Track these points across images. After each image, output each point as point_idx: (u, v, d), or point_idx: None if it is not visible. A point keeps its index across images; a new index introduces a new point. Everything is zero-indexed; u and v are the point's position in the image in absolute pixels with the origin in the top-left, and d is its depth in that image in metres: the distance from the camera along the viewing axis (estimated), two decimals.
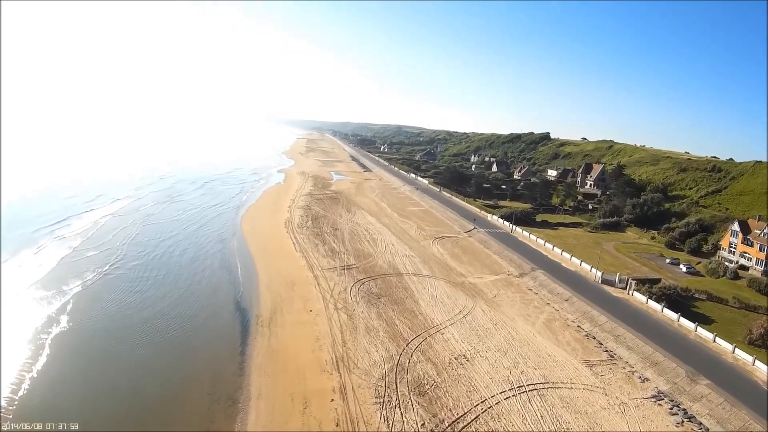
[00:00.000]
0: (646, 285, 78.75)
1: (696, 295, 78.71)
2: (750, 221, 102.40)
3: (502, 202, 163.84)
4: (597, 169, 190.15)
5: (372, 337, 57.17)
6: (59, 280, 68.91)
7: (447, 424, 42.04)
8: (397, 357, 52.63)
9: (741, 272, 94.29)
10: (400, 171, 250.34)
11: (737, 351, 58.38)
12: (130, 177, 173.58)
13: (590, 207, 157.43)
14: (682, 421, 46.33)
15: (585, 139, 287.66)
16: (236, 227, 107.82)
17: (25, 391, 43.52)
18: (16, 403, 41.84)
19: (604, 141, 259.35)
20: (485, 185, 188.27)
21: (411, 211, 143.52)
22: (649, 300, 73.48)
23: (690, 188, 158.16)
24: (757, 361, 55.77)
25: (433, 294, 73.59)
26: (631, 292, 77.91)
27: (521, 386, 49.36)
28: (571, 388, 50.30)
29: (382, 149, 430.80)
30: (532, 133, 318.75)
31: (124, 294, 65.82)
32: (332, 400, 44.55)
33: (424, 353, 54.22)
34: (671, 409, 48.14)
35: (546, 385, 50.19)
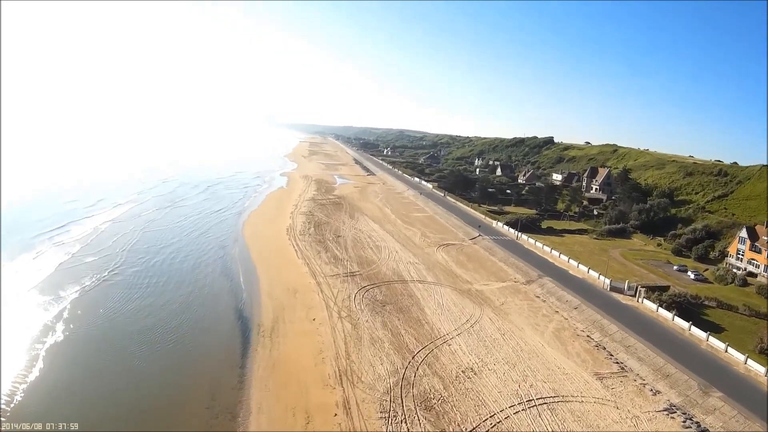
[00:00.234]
0: (656, 292, 77.34)
1: (706, 303, 77.28)
2: (758, 227, 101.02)
3: (506, 208, 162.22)
4: (602, 173, 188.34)
5: (377, 348, 55.55)
6: (56, 286, 67.73)
7: None
8: (403, 370, 51.02)
9: (749, 279, 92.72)
10: (404, 174, 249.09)
11: (749, 362, 56.99)
12: (133, 180, 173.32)
13: (595, 213, 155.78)
14: None
15: (588, 143, 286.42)
16: (238, 234, 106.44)
17: (16, 404, 42.17)
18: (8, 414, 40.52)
19: (608, 145, 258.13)
20: (490, 190, 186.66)
21: (415, 217, 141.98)
22: (660, 308, 72.02)
23: (696, 193, 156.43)
24: None
25: (439, 302, 72.04)
26: (640, 300, 76.41)
27: (531, 400, 47.82)
28: (582, 401, 48.80)
29: (385, 153, 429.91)
30: (535, 137, 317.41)
31: (122, 302, 64.38)
32: (335, 415, 43.03)
33: (430, 366, 52.62)
34: (684, 422, 46.76)
35: (556, 399, 48.68)
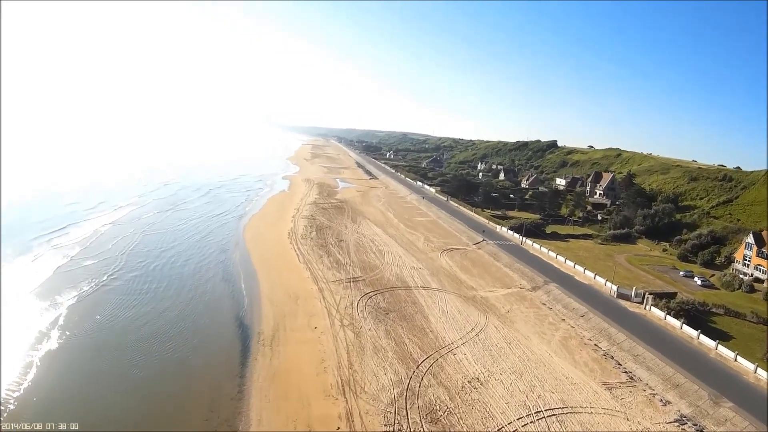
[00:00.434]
0: (663, 300, 76.14)
1: (713, 310, 76.19)
2: (765, 233, 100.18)
3: (510, 212, 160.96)
4: (606, 177, 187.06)
5: (380, 358, 54.13)
6: (53, 290, 66.53)
7: None
8: (407, 380, 49.60)
9: (756, 285, 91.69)
10: (407, 178, 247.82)
11: (759, 371, 56.00)
12: (134, 182, 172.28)
13: (599, 218, 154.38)
14: None
15: (591, 146, 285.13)
16: (239, 237, 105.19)
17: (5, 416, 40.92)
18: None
19: (611, 149, 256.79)
20: (493, 194, 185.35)
21: (418, 221, 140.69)
22: (668, 316, 70.83)
23: (701, 198, 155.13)
24: None
25: (443, 309, 70.64)
26: (648, 308, 75.08)
27: (539, 411, 46.58)
28: (591, 413, 47.62)
29: (387, 156, 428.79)
30: (539, 141, 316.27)
31: (120, 309, 62.98)
32: (338, 428, 41.70)
33: (435, 376, 51.20)
34: None
35: (565, 410, 47.46)
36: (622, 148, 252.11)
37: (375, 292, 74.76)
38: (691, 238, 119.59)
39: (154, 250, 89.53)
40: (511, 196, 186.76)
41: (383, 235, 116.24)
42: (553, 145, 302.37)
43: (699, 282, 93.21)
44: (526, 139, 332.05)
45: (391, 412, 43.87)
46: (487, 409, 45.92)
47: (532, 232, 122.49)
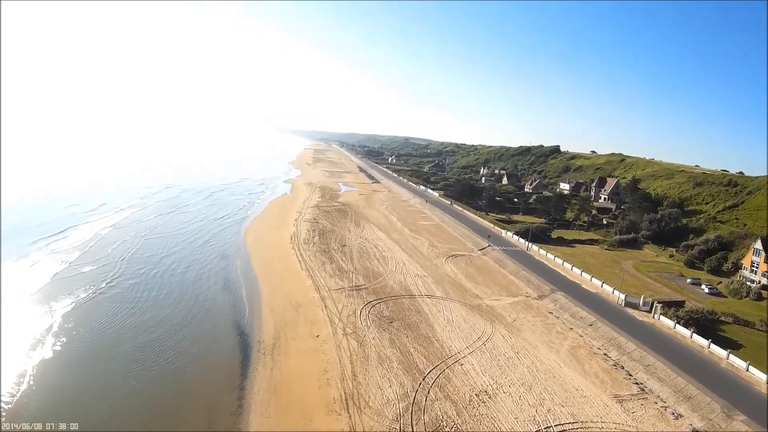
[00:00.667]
0: (672, 308, 74.66)
1: (722, 318, 74.75)
2: None
3: (514, 217, 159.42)
4: (611, 182, 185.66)
5: (385, 369, 52.39)
6: (50, 297, 65.01)
7: None
8: (413, 393, 47.83)
9: (764, 293, 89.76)
10: (409, 183, 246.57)
11: None
12: (136, 184, 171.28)
13: (605, 222, 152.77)
14: None
15: (594, 152, 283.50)
16: (241, 242, 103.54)
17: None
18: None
19: (614, 154, 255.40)
20: (497, 198, 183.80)
21: (422, 225, 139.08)
22: (677, 325, 69.36)
23: (706, 203, 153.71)
24: None
25: (448, 318, 68.93)
26: (657, 316, 73.46)
27: (549, 427, 44.94)
28: (602, 428, 45.93)
29: (390, 160, 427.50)
30: (542, 146, 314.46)
31: (117, 317, 61.22)
32: None
33: (442, 389, 49.45)
34: None
35: (575, 425, 45.79)
36: (623, 153, 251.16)
37: (379, 301, 73.07)
38: (698, 244, 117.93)
39: (154, 256, 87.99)
40: (515, 200, 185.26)
41: (387, 239, 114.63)
42: (555, 150, 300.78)
43: (707, 290, 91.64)
44: (528, 144, 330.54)
45: (396, 429, 42.09)
46: (496, 425, 44.22)
47: (538, 237, 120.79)
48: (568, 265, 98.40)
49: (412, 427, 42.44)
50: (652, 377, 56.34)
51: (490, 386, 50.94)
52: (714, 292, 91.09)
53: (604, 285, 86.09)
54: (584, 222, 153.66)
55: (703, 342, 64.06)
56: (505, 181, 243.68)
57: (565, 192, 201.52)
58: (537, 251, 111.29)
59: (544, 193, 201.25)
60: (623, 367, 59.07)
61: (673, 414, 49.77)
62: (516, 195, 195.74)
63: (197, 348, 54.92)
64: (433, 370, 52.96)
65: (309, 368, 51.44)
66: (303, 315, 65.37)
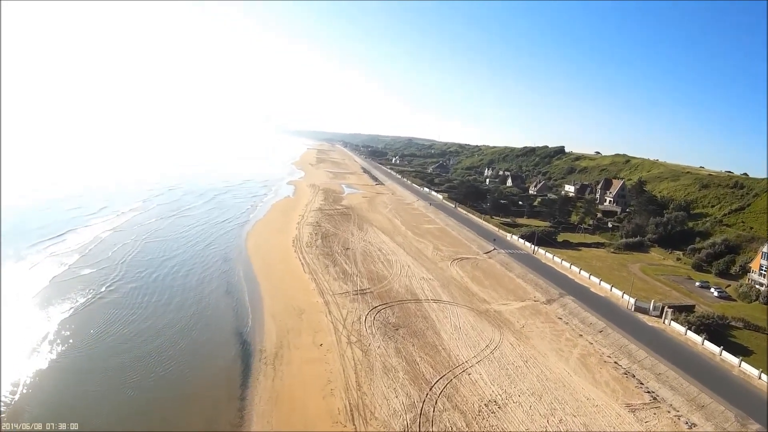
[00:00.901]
0: (683, 313, 73.34)
1: (732, 323, 73.51)
2: None
3: (519, 220, 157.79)
4: (617, 185, 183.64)
5: (390, 379, 50.86)
6: (47, 302, 63.81)
7: None
8: (420, 404, 46.31)
9: None
10: (413, 184, 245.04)
11: None
12: (138, 187, 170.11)
13: (610, 225, 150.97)
14: None
15: (598, 153, 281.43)
16: (243, 247, 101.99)
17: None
18: None
19: (619, 155, 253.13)
20: (502, 201, 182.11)
21: (426, 228, 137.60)
22: (689, 331, 67.87)
23: (713, 206, 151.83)
24: None
25: (455, 324, 67.40)
26: (667, 322, 71.90)
27: None
28: None
29: (393, 161, 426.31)
30: (546, 147, 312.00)
31: (116, 324, 59.67)
32: None
33: (450, 399, 47.94)
34: None
35: None
36: (628, 154, 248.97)
37: (384, 306, 71.60)
38: (705, 247, 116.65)
39: (155, 259, 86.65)
40: (520, 203, 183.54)
41: (391, 243, 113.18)
42: (560, 151, 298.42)
43: (716, 293, 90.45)
44: (533, 145, 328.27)
45: None
46: None
47: (544, 240, 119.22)
48: (575, 269, 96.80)
49: None
50: (665, 386, 55.07)
51: (499, 396, 49.46)
52: (723, 296, 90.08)
53: (614, 289, 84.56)
54: (589, 225, 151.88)
55: (714, 349, 62.70)
56: (509, 182, 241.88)
57: (570, 194, 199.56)
58: (543, 254, 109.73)
59: (548, 195, 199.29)
60: (634, 376, 57.83)
61: (687, 423, 48.61)
62: (520, 197, 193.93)
63: (198, 356, 53.49)
64: (441, 380, 51.50)
65: (312, 378, 49.94)
66: (306, 322, 63.86)
